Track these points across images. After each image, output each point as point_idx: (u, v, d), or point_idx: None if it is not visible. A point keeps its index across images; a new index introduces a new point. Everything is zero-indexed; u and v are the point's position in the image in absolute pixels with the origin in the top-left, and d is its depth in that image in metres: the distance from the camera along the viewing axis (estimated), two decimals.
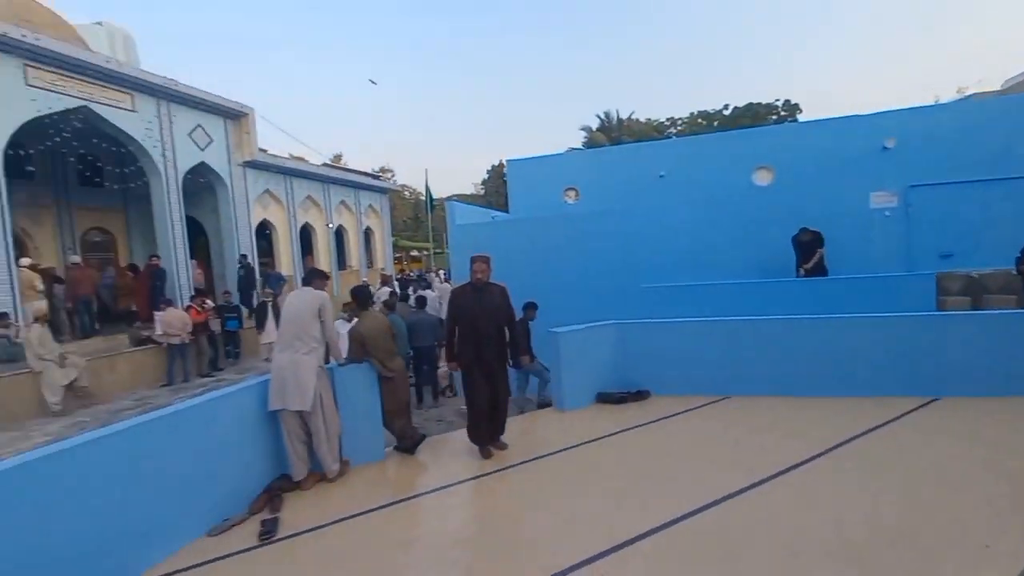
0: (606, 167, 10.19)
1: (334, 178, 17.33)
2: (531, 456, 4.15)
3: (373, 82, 56.05)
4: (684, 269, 8.23)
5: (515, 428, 4.74)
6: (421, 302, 7.16)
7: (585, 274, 7.35)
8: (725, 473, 3.57)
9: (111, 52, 12.47)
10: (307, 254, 16.61)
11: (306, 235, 16.36)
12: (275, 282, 12.60)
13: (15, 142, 8.87)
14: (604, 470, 3.85)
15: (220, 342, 10.37)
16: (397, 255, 23.12)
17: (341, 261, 17.87)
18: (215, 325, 10.04)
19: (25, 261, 9.07)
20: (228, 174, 12.90)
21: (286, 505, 3.54)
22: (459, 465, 4.22)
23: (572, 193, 10.61)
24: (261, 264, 13.65)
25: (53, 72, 9.20)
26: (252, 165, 13.56)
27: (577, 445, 4.38)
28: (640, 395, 5.37)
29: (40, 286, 8.88)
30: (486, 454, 4.10)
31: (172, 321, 8.87)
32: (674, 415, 4.97)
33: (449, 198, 53.65)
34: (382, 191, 20.72)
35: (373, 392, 4.17)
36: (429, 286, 13.51)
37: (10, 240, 8.72)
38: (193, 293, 11.20)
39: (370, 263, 19.66)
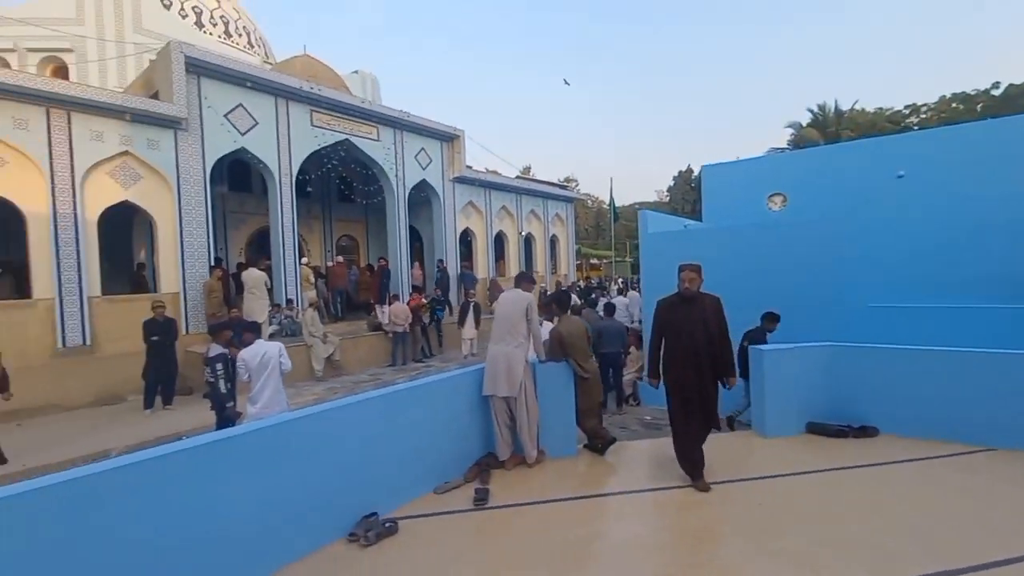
0: (821, 168, 9.00)
1: (526, 189, 18.66)
2: (726, 478, 3.96)
3: (567, 83, 58.20)
4: (920, 287, 6.84)
5: (714, 445, 4.55)
6: (610, 309, 7.31)
7: (791, 289, 6.63)
8: (972, 540, 2.93)
9: (363, 94, 15.54)
10: (499, 259, 18.17)
11: (500, 242, 17.93)
12: (470, 282, 14.17)
13: (301, 169, 11.68)
14: (810, 508, 3.47)
15: (430, 333, 12.07)
16: (577, 262, 23.75)
17: (528, 266, 19.09)
18: (426, 318, 11.74)
19: (304, 260, 11.85)
20: (441, 189, 14.92)
21: (492, 479, 4.04)
22: (645, 472, 4.25)
23: (778, 199, 9.63)
24: (462, 267, 15.42)
25: (328, 114, 11.87)
26: (460, 180, 15.44)
27: (780, 476, 4.03)
28: (864, 431, 4.67)
29: (313, 280, 11.51)
30: (702, 487, 3.71)
31: (397, 312, 10.65)
32: (907, 461, 4.20)
33: (631, 206, 52.73)
34: (568, 200, 21.54)
35: (569, 390, 4.46)
36: (603, 293, 13.69)
37: (297, 244, 11.51)
38: (411, 290, 13.22)
39: (554, 269, 20.58)
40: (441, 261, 14.78)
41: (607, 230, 47.12)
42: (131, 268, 11.43)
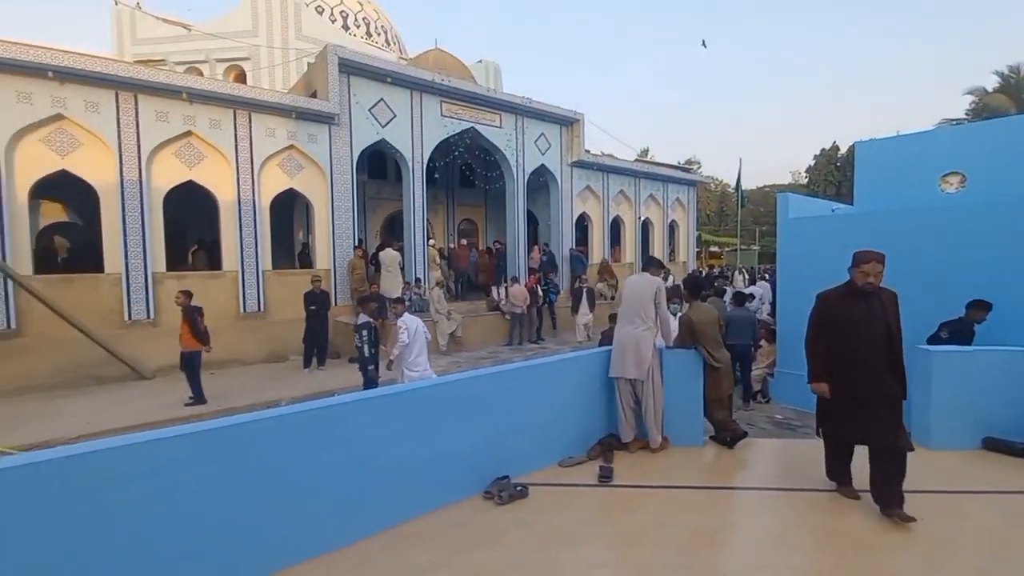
0: (1014, 142, 7.49)
1: (645, 172, 18.03)
2: None
3: (704, 44, 54.32)
4: None
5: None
6: (740, 299, 6.90)
7: (969, 284, 5.69)
8: None
9: (487, 82, 16.09)
10: (615, 245, 17.86)
11: (616, 227, 17.61)
12: (579, 266, 14.14)
13: (429, 157, 12.48)
14: (986, 530, 3.05)
15: (545, 315, 12.34)
16: (696, 249, 22.36)
17: (644, 252, 18.52)
18: (540, 300, 12.02)
19: (431, 242, 12.74)
20: (559, 173, 15.01)
21: (615, 459, 4.11)
22: (778, 471, 4.03)
23: (954, 179, 8.24)
24: (574, 251, 15.39)
25: (456, 104, 12.52)
26: (578, 164, 15.39)
27: (946, 492, 3.58)
28: None
29: (439, 260, 12.35)
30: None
31: (516, 294, 11.05)
32: None
33: (760, 189, 48.28)
34: (690, 184, 20.39)
35: (697, 379, 4.36)
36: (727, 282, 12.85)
37: (426, 228, 12.41)
38: (529, 272, 13.58)
39: (672, 256, 19.73)
40: (547, 245, 14.89)
41: (731, 215, 43.83)
42: (291, 247, 13.20)
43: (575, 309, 11.84)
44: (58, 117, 8.09)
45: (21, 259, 7.99)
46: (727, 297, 8.23)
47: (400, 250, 11.61)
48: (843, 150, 39.50)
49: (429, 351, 6.09)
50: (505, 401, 3.74)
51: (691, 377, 4.35)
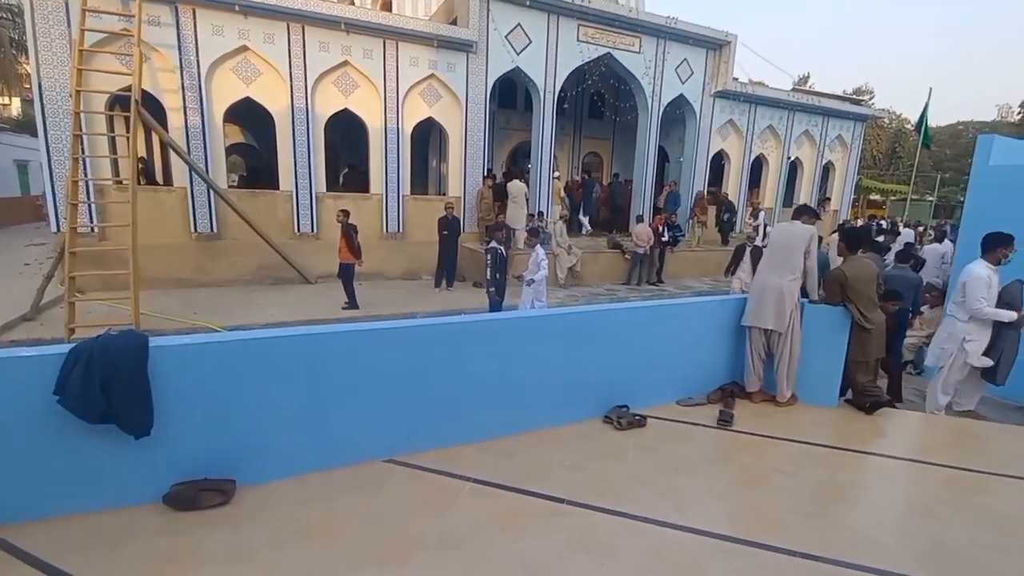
0: None
1: (802, 104, 15.77)
2: None
3: None
4: None
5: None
6: (903, 255, 6.08)
7: None
8: None
9: (628, 2, 14.85)
10: (753, 187, 16.29)
11: (756, 168, 15.96)
12: (672, 203, 13.11)
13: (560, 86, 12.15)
14: None
15: (666, 257, 11.94)
16: (853, 197, 19.29)
17: (787, 197, 16.69)
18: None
19: (556, 174, 12.71)
20: (699, 105, 13.78)
21: (736, 407, 4.11)
22: (916, 441, 3.76)
23: None
24: (709, 194, 14.36)
25: (593, 27, 11.85)
26: (721, 95, 13.95)
27: None
28: None
29: (563, 194, 12.36)
30: None
31: (640, 234, 10.80)
32: None
33: (951, 127, 39.97)
34: (858, 118, 17.46)
35: (840, 337, 4.08)
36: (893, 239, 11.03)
37: (552, 159, 12.38)
38: (653, 212, 13.08)
39: (822, 204, 17.49)
40: (674, 182, 13.86)
41: (906, 159, 36.94)
42: (425, 174, 14.05)
43: (730, 270, 10.40)
44: (243, 48, 9.22)
45: (219, 175, 9.56)
46: (890, 257, 7.26)
47: (526, 181, 11.79)
48: None
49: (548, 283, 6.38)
50: (633, 336, 3.87)
51: (834, 335, 4.08)
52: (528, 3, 10.81)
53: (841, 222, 15.02)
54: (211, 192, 9.24)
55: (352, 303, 8.18)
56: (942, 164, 37.22)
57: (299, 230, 10.15)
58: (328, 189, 10.96)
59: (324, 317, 7.85)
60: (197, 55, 8.92)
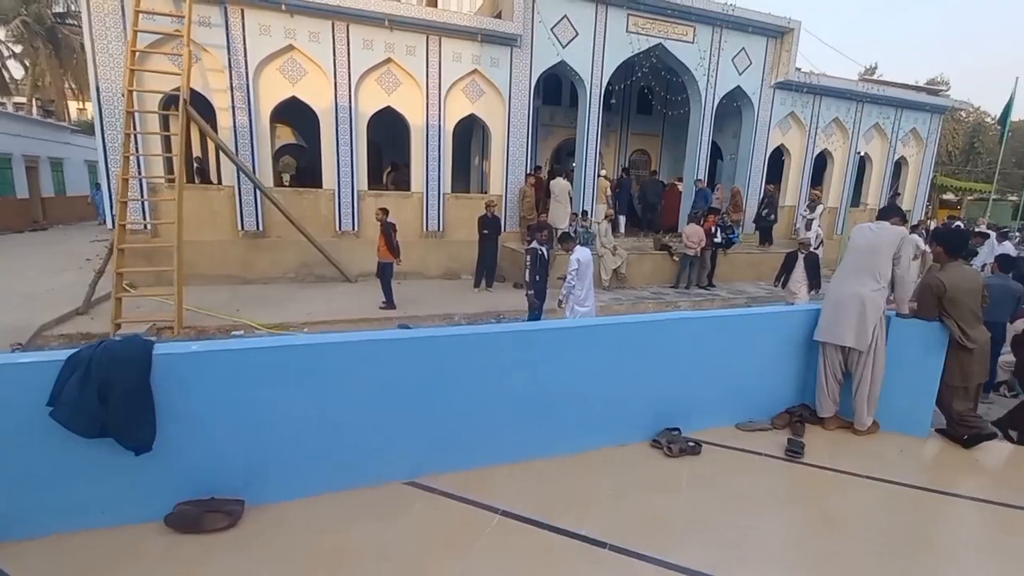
0: None
1: (873, 96, 14.52)
2: None
3: None
4: None
5: None
6: (1005, 262, 5.30)
7: None
8: None
9: None
10: (816, 184, 15.18)
11: (819, 164, 14.85)
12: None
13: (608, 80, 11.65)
14: None
15: (718, 259, 11.23)
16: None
17: (855, 197, 15.45)
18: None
19: (602, 172, 12.23)
20: (758, 97, 12.92)
21: (806, 434, 3.60)
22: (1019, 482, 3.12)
23: None
24: (701, 185, 13.18)
25: (644, 17, 11.28)
26: (782, 86, 13.01)
27: None
28: None
29: (609, 192, 11.86)
30: None
31: (691, 234, 10.18)
32: None
33: None
34: (936, 110, 15.93)
35: (938, 358, 3.48)
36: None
37: (597, 157, 11.90)
38: (707, 211, 12.33)
39: (892, 202, 16.10)
40: (700, 180, 12.76)
41: (986, 155, 33.80)
42: (467, 172, 13.87)
43: (781, 280, 7.77)
44: (289, 48, 9.29)
45: (265, 174, 9.69)
46: (978, 261, 6.41)
47: (569, 179, 11.38)
48: None
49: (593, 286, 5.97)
50: (687, 349, 3.44)
51: (929, 354, 3.49)
52: None
53: (914, 223, 13.74)
54: (257, 191, 9.37)
55: (390, 302, 8.05)
56: None
57: (340, 228, 10.17)
58: (370, 188, 10.96)
59: (362, 317, 7.76)
60: (245, 55, 9.05)
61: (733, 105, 13.05)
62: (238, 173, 9.24)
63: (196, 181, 11.80)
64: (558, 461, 3.04)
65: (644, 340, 3.30)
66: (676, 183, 13.40)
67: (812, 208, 11.75)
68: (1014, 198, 28.79)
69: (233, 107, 9.16)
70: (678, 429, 3.43)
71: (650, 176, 15.01)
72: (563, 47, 10.73)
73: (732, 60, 12.39)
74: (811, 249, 7.97)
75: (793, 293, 7.62)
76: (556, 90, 14.66)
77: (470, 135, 13.40)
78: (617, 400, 3.26)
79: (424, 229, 10.74)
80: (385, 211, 7.85)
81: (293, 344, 2.53)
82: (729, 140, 14.18)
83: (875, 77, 26.22)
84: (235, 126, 9.20)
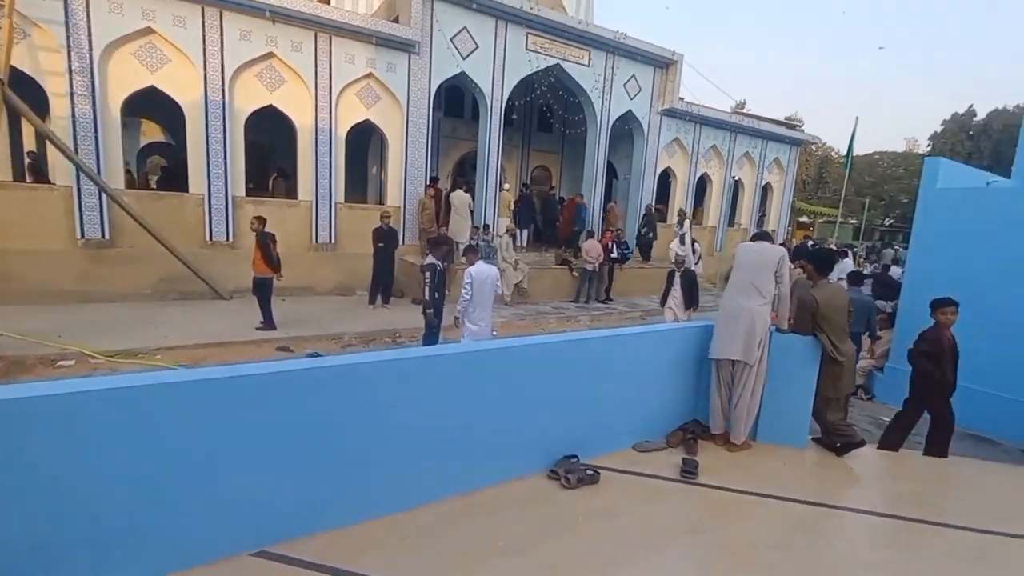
0: None
1: (744, 127, 16.17)
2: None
3: (881, 48, 48.04)
4: None
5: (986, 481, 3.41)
6: (855, 278, 5.91)
7: None
8: None
9: (577, 15, 14.72)
10: (697, 206, 16.48)
11: (701, 187, 16.15)
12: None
13: (508, 96, 11.67)
14: None
15: (614, 274, 11.61)
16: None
17: (731, 218, 16.99)
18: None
19: (506, 186, 12.18)
20: (647, 122, 13.73)
21: (699, 451, 3.59)
22: (897, 488, 3.36)
23: None
24: (656, 210, 14.26)
25: (542, 37, 11.49)
26: (668, 113, 13.98)
27: None
28: None
29: (512, 206, 11.81)
30: None
31: (590, 249, 10.40)
32: None
33: (867, 156, 43.17)
34: (794, 143, 18.16)
35: (811, 371, 3.66)
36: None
37: (499, 170, 11.83)
38: (604, 229, 12.76)
39: (760, 223, 17.99)
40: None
41: (832, 183, 39.54)
42: (364, 181, 13.12)
43: (665, 300, 7.81)
44: (147, 31, 8.08)
45: (113, 172, 8.29)
46: (832, 276, 7.15)
47: (471, 193, 11.16)
48: (981, 116, 33.96)
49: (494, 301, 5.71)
50: (583, 372, 3.27)
51: (805, 368, 3.66)
52: (474, 6, 10.28)
53: (781, 242, 15.38)
54: (102, 193, 7.96)
55: (268, 323, 7.17)
56: (862, 190, 39.99)
57: (211, 238, 8.99)
58: (252, 194, 9.90)
59: (233, 340, 6.81)
60: (89, 34, 7.70)
61: (626, 128, 13.75)
62: (77, 171, 7.79)
63: (29, 179, 9.85)
64: (447, 506, 2.68)
65: (537, 364, 3.06)
66: (576, 199, 13.73)
67: (680, 224, 12.43)
68: (854, 221, 33.81)
69: (72, 93, 7.73)
70: (576, 456, 3.23)
71: (548, 192, 15.28)
72: (463, 58, 10.56)
73: (624, 86, 13.05)
74: (687, 266, 8.10)
75: (671, 309, 7.68)
76: (458, 102, 14.47)
77: (367, 142, 12.71)
78: (511, 431, 2.99)
79: (314, 241, 9.86)
80: (261, 220, 7.00)
81: (97, 390, 1.91)
82: (623, 160, 14.91)
83: (744, 111, 29.40)
84: (74, 115, 7.77)
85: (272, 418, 2.21)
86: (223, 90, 8.64)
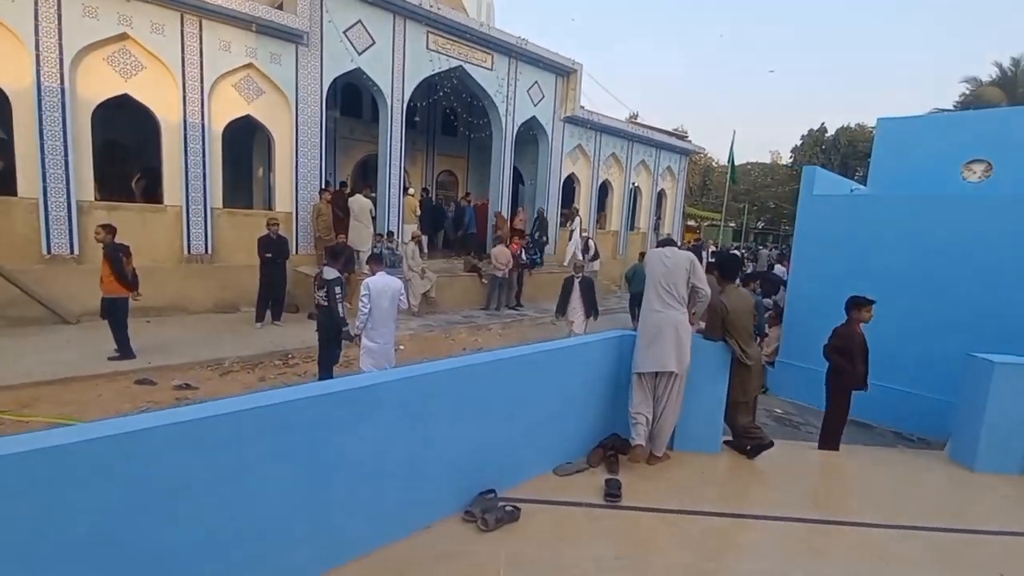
0: None
1: (640, 136, 17.02)
2: (936, 523, 3.06)
3: (771, 71, 52.38)
4: None
5: (899, 472, 3.63)
6: (745, 279, 6.23)
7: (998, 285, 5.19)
8: None
9: (478, 17, 14.54)
10: (601, 210, 17.03)
11: (603, 192, 16.72)
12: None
13: (410, 98, 11.16)
14: None
15: (524, 280, 11.52)
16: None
17: (631, 222, 17.78)
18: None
19: (410, 191, 11.60)
20: (551, 128, 13.88)
21: (620, 470, 3.43)
22: (805, 487, 3.44)
23: (978, 168, 7.70)
24: (561, 215, 14.54)
25: (444, 37, 11.13)
26: (571, 120, 14.26)
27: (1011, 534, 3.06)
28: None
29: (419, 212, 11.27)
30: None
31: (499, 256, 10.17)
32: None
33: (740, 167, 47.95)
34: (683, 153, 19.51)
35: (723, 376, 3.67)
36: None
37: (403, 176, 11.24)
38: (512, 234, 12.64)
39: (657, 227, 19.07)
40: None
41: (714, 190, 43.47)
42: (249, 185, 11.84)
43: (561, 310, 7.60)
44: None
45: None
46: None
47: (372, 198, 10.46)
48: (832, 132, 39.14)
49: (398, 313, 5.21)
50: (494, 396, 2.95)
51: (717, 374, 3.65)
52: None
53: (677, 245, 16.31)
54: None
55: (124, 351, 6.03)
56: (738, 196, 44.40)
57: (50, 251, 7.46)
58: (106, 198, 8.43)
59: (75, 374, 5.62)
60: None
61: (530, 134, 13.79)
62: None
63: None
64: (351, 570, 2.21)
65: (446, 392, 2.68)
66: (486, 203, 13.51)
67: (564, 223, 12.53)
68: (733, 224, 37.36)
69: None
70: (493, 491, 2.90)
71: (463, 198, 14.91)
72: (359, 54, 9.86)
73: (528, 91, 13.08)
74: (583, 261, 7.99)
75: (571, 321, 7.49)
76: (356, 101, 13.64)
77: (252, 141, 11.48)
78: (417, 471, 2.58)
79: (186, 252, 8.60)
80: (109, 229, 5.85)
81: None
82: (529, 166, 14.96)
83: (638, 121, 31.24)
84: None
85: (75, 508, 1.62)
86: (61, 75, 7.22)
